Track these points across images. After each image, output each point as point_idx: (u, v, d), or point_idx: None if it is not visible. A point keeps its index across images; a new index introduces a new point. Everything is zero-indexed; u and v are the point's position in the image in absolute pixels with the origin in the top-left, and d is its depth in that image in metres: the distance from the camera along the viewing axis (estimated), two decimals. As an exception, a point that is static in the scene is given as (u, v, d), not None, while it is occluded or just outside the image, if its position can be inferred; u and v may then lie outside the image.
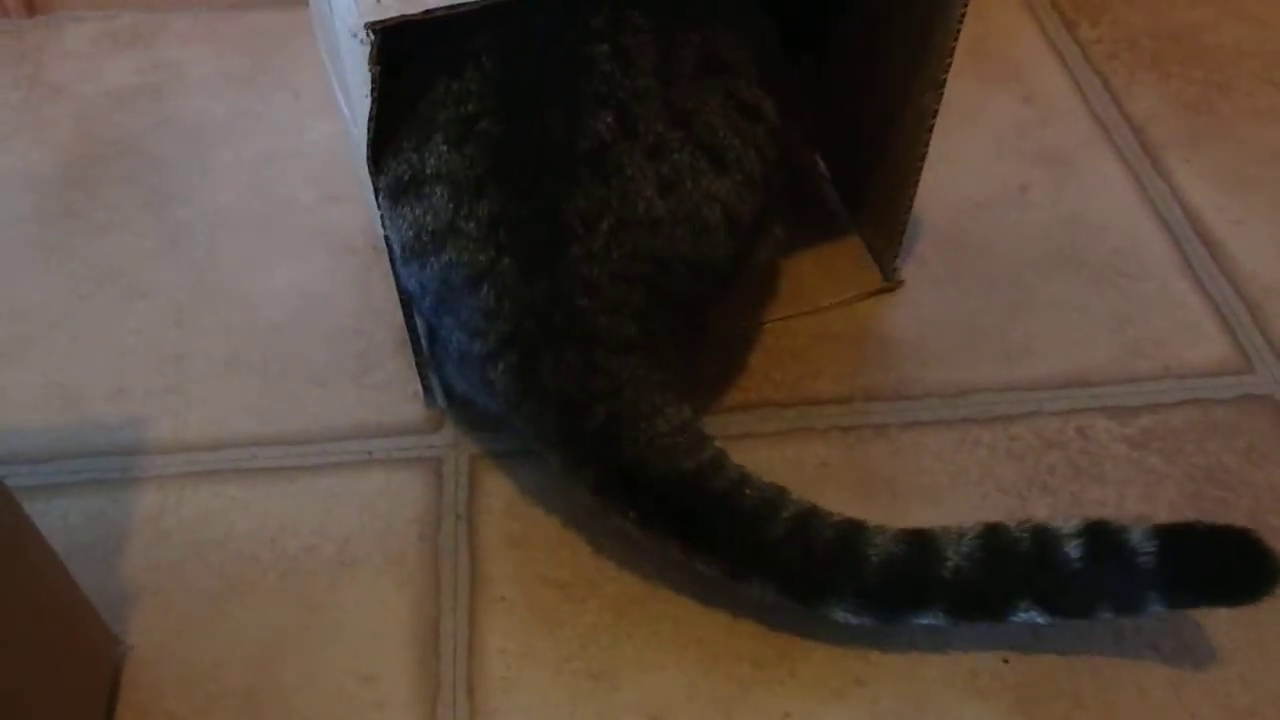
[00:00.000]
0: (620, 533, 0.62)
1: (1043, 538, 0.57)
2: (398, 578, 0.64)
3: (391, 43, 0.51)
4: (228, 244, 0.81)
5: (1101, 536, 0.57)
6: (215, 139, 0.88)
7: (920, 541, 0.57)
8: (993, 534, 0.57)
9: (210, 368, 0.74)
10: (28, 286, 0.78)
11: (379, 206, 0.60)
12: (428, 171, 0.57)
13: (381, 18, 0.50)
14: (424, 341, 0.69)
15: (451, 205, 0.57)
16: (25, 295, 0.77)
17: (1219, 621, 0.62)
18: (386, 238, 0.61)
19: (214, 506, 0.66)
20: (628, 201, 0.58)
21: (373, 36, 0.50)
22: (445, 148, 0.57)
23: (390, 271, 0.63)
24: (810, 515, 0.59)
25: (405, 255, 0.60)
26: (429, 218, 0.58)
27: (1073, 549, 0.56)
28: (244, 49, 0.96)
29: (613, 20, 0.58)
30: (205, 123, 0.90)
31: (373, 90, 0.52)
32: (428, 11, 0.51)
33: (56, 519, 0.65)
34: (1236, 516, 0.67)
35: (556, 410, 0.60)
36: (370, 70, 0.52)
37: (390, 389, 0.72)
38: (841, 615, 0.58)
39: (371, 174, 0.58)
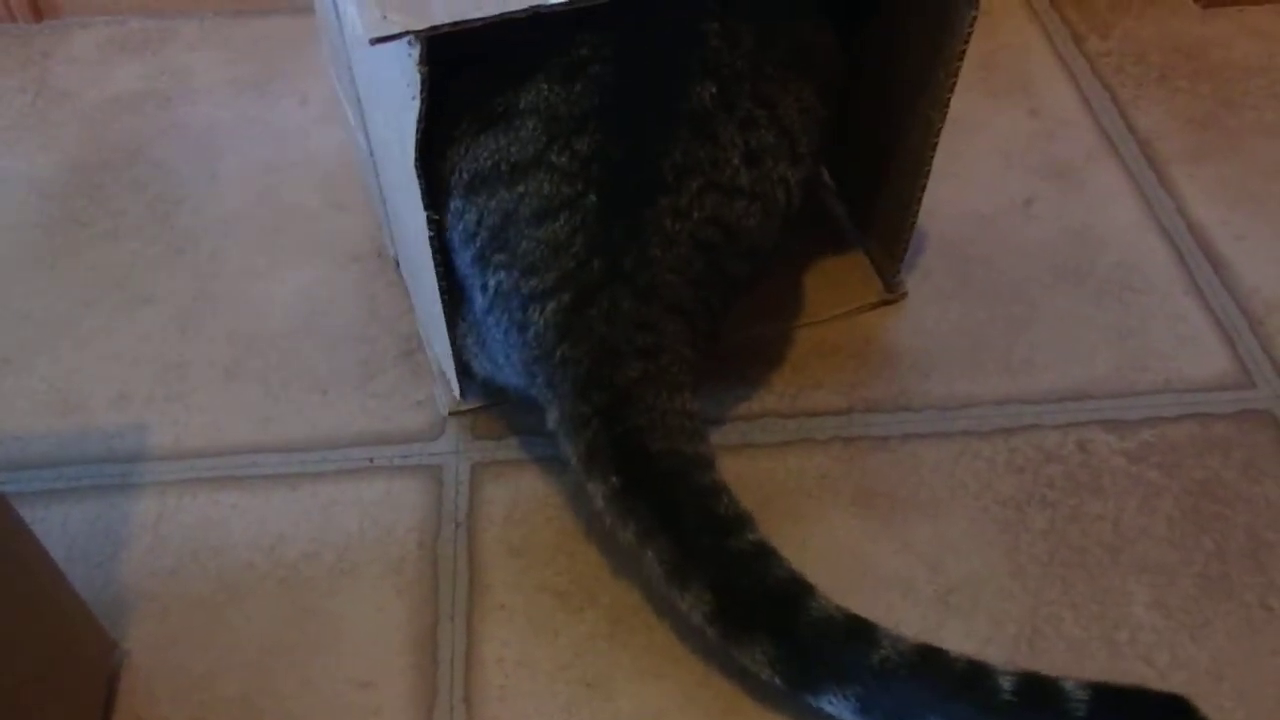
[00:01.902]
0: (580, 494, 0.62)
1: (978, 669, 0.55)
2: (396, 585, 0.64)
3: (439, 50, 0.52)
4: (233, 251, 0.81)
5: (1036, 681, 0.55)
6: (222, 146, 0.89)
7: (860, 623, 0.57)
8: (930, 650, 0.56)
9: (213, 375, 0.74)
10: (32, 292, 0.79)
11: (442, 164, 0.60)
12: (521, 106, 0.59)
13: (386, 33, 0.50)
14: (435, 349, 0.68)
15: (545, 137, 0.59)
16: (30, 301, 0.78)
17: (1213, 634, 0.62)
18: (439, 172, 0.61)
19: (213, 513, 0.67)
20: (718, 166, 0.60)
21: (416, 41, 0.51)
22: (546, 86, 0.59)
23: (398, 278, 0.63)
24: (771, 551, 0.59)
25: (474, 185, 0.60)
26: (514, 148, 0.59)
27: (1005, 683, 0.54)
28: (251, 55, 0.96)
29: (724, 4, 0.61)
30: (212, 129, 0.90)
31: (421, 91, 0.52)
32: (433, 26, 0.51)
33: (56, 524, 0.66)
34: (1234, 531, 0.67)
35: (591, 358, 0.60)
36: (419, 72, 0.52)
37: (392, 397, 0.73)
38: (756, 659, 0.57)
39: (418, 175, 0.57)
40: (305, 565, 0.65)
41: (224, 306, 0.78)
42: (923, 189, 0.71)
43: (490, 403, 0.71)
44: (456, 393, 0.70)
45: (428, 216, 0.59)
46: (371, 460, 0.69)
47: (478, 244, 0.61)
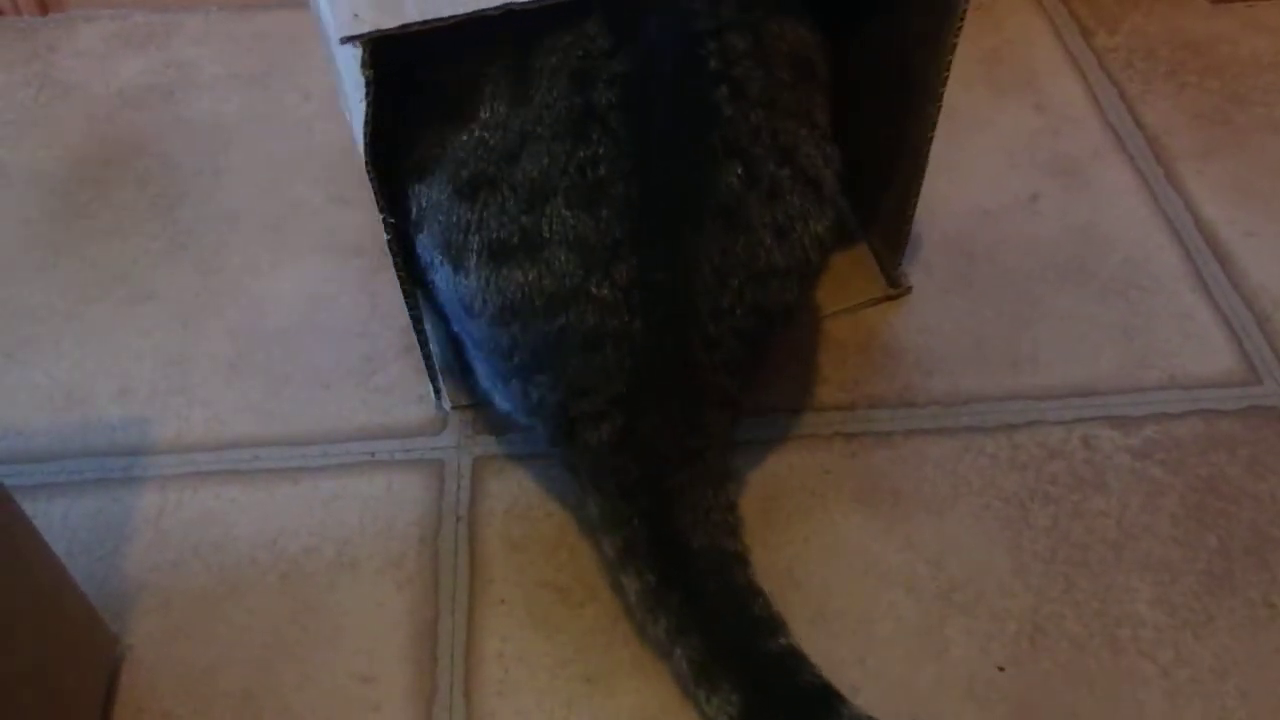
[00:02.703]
0: (614, 587, 0.62)
1: None
2: (397, 580, 0.64)
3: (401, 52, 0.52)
4: (236, 245, 0.81)
5: None
6: (225, 140, 0.89)
7: None
8: None
9: (215, 369, 0.74)
10: (36, 286, 0.79)
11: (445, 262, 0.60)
12: (545, 235, 0.56)
13: (357, 32, 0.51)
14: (434, 346, 0.69)
15: (581, 270, 0.56)
16: (33, 295, 0.78)
17: (1216, 632, 0.62)
18: (451, 291, 0.60)
19: (215, 507, 0.67)
20: (754, 254, 0.58)
21: (358, 45, 0.51)
22: (569, 212, 0.56)
23: (401, 288, 0.63)
24: (803, 656, 0.57)
25: (503, 315, 0.58)
26: (546, 281, 0.57)
27: None
28: (255, 49, 0.96)
29: (722, 55, 0.58)
30: (216, 123, 0.90)
31: (367, 94, 0.53)
32: (404, 26, 0.51)
33: (58, 518, 0.66)
34: (1238, 528, 0.66)
35: (641, 467, 0.60)
36: (364, 75, 0.52)
37: (394, 391, 0.73)
38: None
39: (371, 177, 0.57)
40: (306, 560, 0.65)
41: (227, 301, 0.78)
42: (920, 184, 0.70)
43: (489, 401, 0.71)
44: (435, 398, 0.71)
45: (384, 220, 0.59)
46: (373, 455, 0.69)
47: (515, 361, 0.60)
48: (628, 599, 0.60)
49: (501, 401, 0.65)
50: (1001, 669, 0.61)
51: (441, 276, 0.61)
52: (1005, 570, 0.64)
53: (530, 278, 0.57)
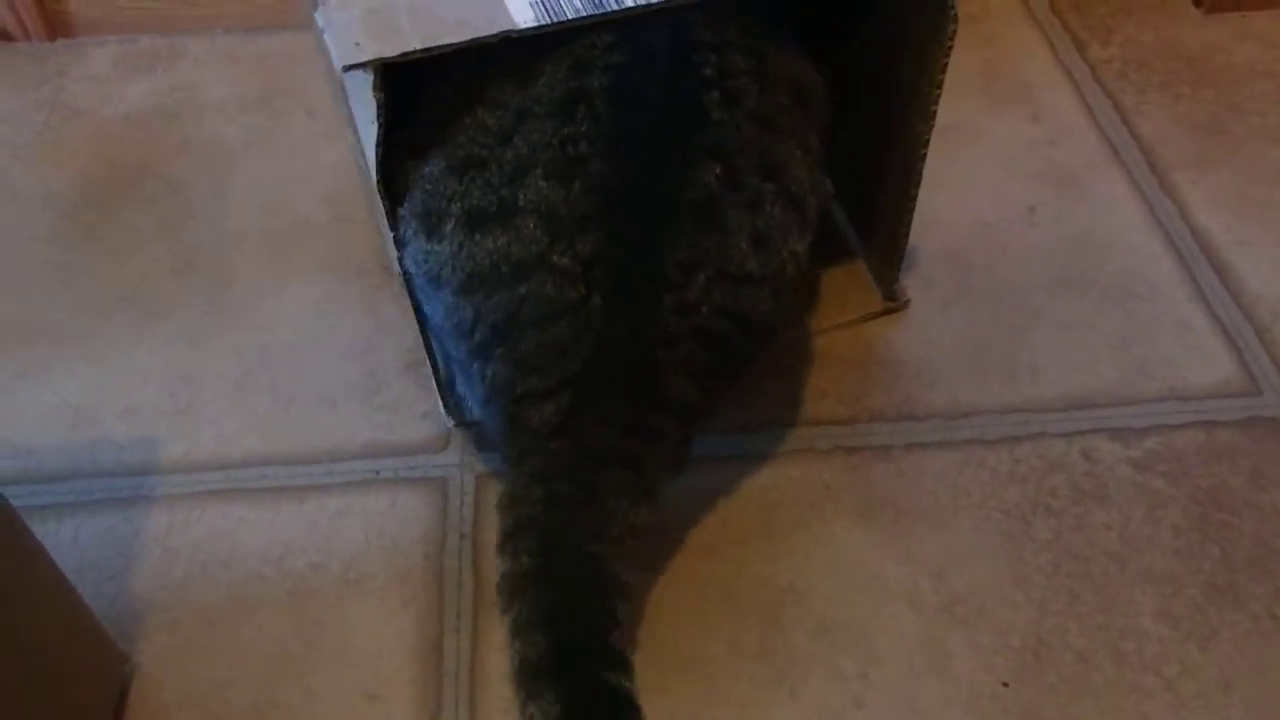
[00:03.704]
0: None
1: None
2: (403, 597, 0.64)
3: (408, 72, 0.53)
4: (242, 265, 0.82)
5: None
6: (231, 161, 0.90)
7: None
8: None
9: (222, 388, 0.75)
10: (45, 307, 0.80)
11: (422, 234, 0.60)
12: (520, 204, 0.57)
13: (358, 60, 0.52)
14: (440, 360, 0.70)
15: (546, 238, 0.57)
16: (43, 315, 0.79)
17: (1221, 644, 0.62)
18: (421, 262, 0.60)
19: (222, 526, 0.67)
20: (726, 255, 0.58)
21: (369, 70, 0.52)
22: (545, 183, 0.57)
23: (406, 292, 0.64)
24: (637, 705, 0.55)
25: (470, 284, 0.58)
26: (514, 248, 0.57)
27: None
28: (260, 71, 0.97)
29: (719, 66, 0.59)
30: (222, 145, 0.91)
31: (379, 115, 0.54)
32: (404, 54, 0.52)
33: (67, 538, 0.67)
34: (1241, 539, 0.66)
35: (574, 455, 0.58)
36: (375, 97, 0.53)
37: (399, 409, 0.73)
38: None
39: (382, 195, 0.58)
40: (313, 577, 0.65)
41: (233, 319, 0.79)
42: (914, 200, 0.71)
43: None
44: (443, 411, 0.71)
45: (395, 237, 0.60)
46: (378, 472, 0.70)
47: (476, 338, 0.59)
48: (497, 578, 0.58)
49: (471, 402, 0.65)
50: (1005, 684, 0.61)
51: (412, 250, 0.61)
52: (1007, 583, 0.65)
53: (500, 244, 0.57)
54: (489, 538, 0.67)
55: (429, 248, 0.60)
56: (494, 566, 0.65)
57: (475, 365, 0.60)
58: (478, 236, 0.58)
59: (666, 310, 0.58)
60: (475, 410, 0.66)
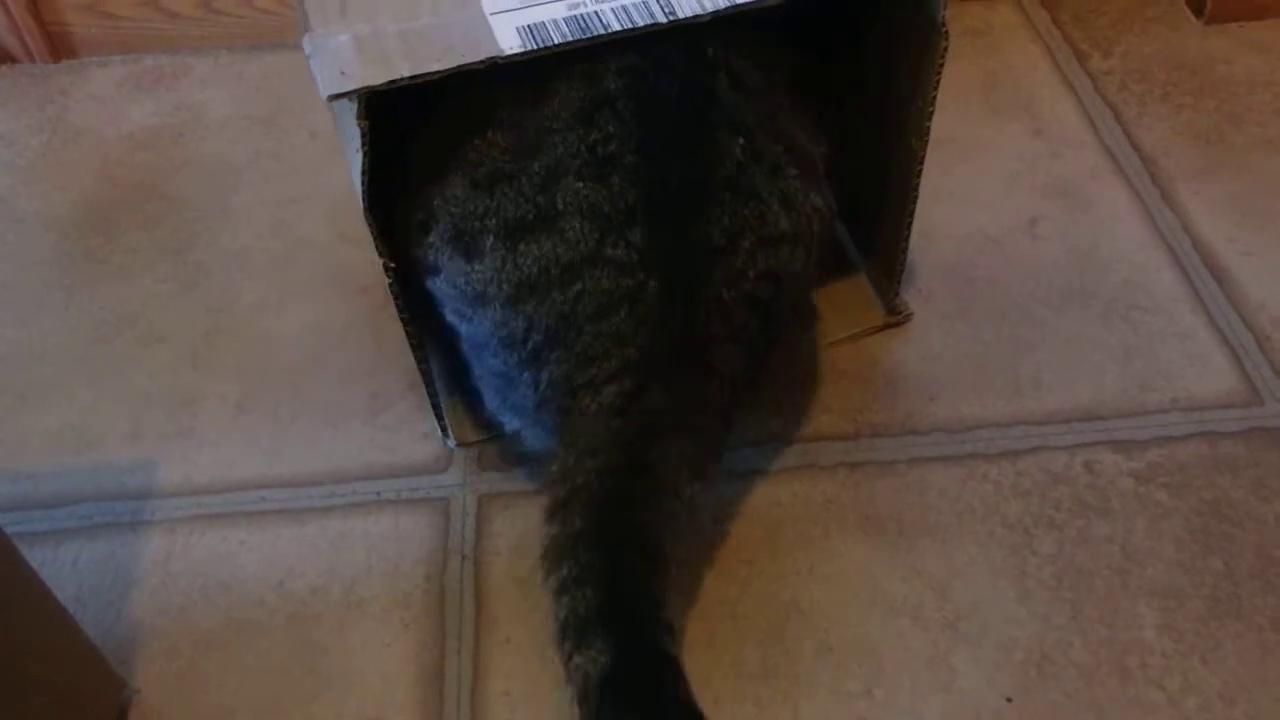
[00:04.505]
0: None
1: None
2: (404, 619, 0.64)
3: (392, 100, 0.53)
4: (244, 285, 0.83)
5: None
6: (234, 181, 0.90)
7: None
8: None
9: (223, 410, 0.75)
10: (47, 329, 0.80)
11: (437, 253, 0.61)
12: (560, 208, 0.58)
13: (343, 89, 0.52)
14: (438, 383, 0.70)
15: (596, 234, 0.58)
16: (44, 338, 0.79)
17: (1224, 658, 0.62)
18: (461, 284, 0.61)
19: (223, 550, 0.67)
20: (764, 220, 0.60)
21: (353, 99, 0.52)
22: (581, 184, 0.58)
23: (404, 329, 0.64)
24: (682, 672, 0.55)
25: (519, 294, 0.59)
26: (561, 250, 0.58)
27: None
28: (263, 90, 0.98)
29: (722, 48, 0.61)
30: (224, 164, 0.91)
31: (363, 144, 0.54)
32: (392, 82, 0.52)
33: (67, 564, 0.67)
34: (1244, 551, 0.66)
35: (635, 430, 0.59)
36: (359, 126, 0.53)
37: (400, 430, 0.73)
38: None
39: (370, 223, 0.58)
40: (314, 600, 0.65)
41: (235, 341, 0.79)
42: (912, 215, 0.71)
43: (496, 435, 0.72)
44: (442, 435, 0.72)
45: (384, 264, 0.60)
46: (379, 494, 0.70)
47: (529, 347, 0.60)
48: (542, 541, 0.58)
49: (510, 416, 0.66)
50: (1009, 699, 0.61)
51: (449, 274, 0.61)
52: (1011, 598, 0.64)
53: (546, 249, 0.58)
54: (490, 559, 0.67)
55: (469, 268, 0.60)
56: (495, 587, 0.65)
57: (527, 374, 0.61)
58: (521, 247, 0.59)
59: (718, 283, 0.60)
60: (514, 422, 0.66)
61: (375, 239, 0.58)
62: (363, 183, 0.54)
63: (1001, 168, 0.89)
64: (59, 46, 1.00)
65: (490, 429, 0.72)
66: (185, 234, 0.86)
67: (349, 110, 0.53)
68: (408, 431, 0.73)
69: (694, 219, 0.59)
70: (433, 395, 0.69)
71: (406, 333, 0.64)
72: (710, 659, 0.62)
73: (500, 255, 0.59)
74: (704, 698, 0.60)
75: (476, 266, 0.60)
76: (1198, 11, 1.01)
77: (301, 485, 0.70)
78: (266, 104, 0.96)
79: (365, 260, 0.83)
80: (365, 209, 0.56)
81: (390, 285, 0.61)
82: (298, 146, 0.93)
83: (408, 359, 0.76)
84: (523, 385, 0.62)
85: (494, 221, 0.59)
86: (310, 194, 0.89)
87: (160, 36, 1.01)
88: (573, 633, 0.55)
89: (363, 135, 0.53)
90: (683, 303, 0.59)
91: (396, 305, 0.62)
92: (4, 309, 0.81)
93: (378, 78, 0.52)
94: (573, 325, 0.59)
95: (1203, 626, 0.63)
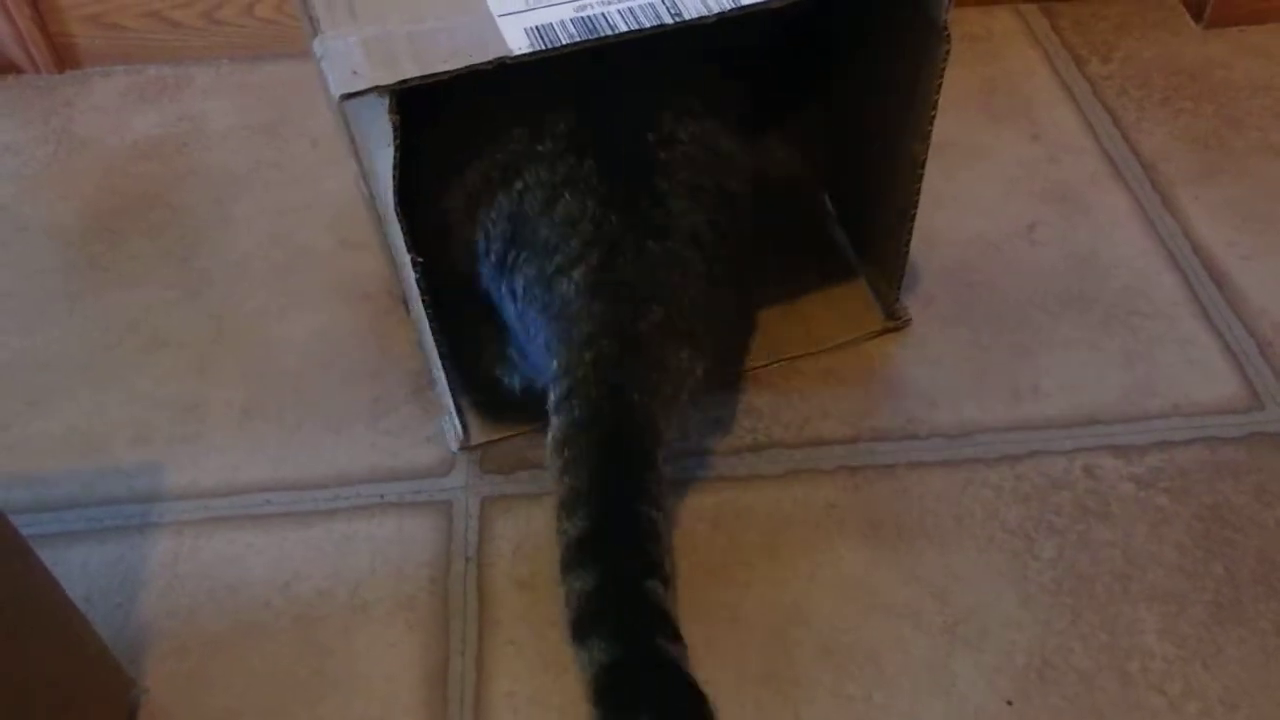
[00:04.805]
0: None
1: None
2: (408, 621, 0.65)
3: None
4: (248, 293, 0.83)
5: None
6: (237, 189, 0.91)
7: None
8: None
9: (229, 414, 0.75)
10: (53, 336, 0.80)
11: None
12: (498, 123, 0.63)
13: (356, 88, 0.52)
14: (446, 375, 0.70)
15: (527, 134, 0.62)
16: (50, 345, 0.80)
17: (1226, 663, 0.62)
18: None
19: (229, 552, 0.68)
20: (701, 118, 0.64)
21: (385, 93, 0.52)
22: (522, 99, 0.63)
23: (429, 324, 0.65)
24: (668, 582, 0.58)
25: (470, 206, 0.64)
26: (499, 155, 0.63)
27: None
28: (265, 99, 0.98)
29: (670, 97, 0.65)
30: (227, 173, 0.92)
31: (395, 139, 0.54)
32: (402, 81, 0.53)
33: (77, 566, 0.67)
34: (1245, 556, 0.66)
35: (614, 307, 0.61)
36: (390, 120, 0.53)
37: (403, 433, 0.74)
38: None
39: (399, 219, 0.59)
40: (319, 603, 0.66)
41: (239, 346, 0.79)
42: (912, 220, 0.71)
43: (498, 437, 0.73)
44: (458, 429, 0.72)
45: (412, 259, 0.60)
46: (383, 497, 0.71)
47: (493, 257, 0.64)
48: (550, 434, 0.61)
49: (522, 363, 0.68)
50: (1010, 703, 0.61)
51: (488, 265, 0.65)
52: (1011, 603, 0.65)
53: (485, 161, 0.63)
54: (494, 561, 0.67)
55: (488, 256, 0.65)
56: (498, 589, 0.66)
57: (505, 284, 0.64)
58: (467, 171, 0.64)
59: (653, 146, 0.63)
60: (524, 365, 0.67)
61: (404, 234, 0.59)
62: (395, 177, 0.55)
63: (1000, 173, 0.90)
64: (64, 57, 1.01)
65: (497, 428, 0.72)
66: (188, 242, 0.87)
67: (374, 108, 0.53)
68: (411, 435, 0.74)
69: (625, 97, 0.63)
70: (451, 388, 0.69)
71: (430, 329, 0.64)
72: (711, 662, 0.62)
73: (458, 180, 0.64)
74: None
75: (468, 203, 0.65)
76: (1197, 16, 1.01)
77: (306, 489, 0.71)
78: (268, 113, 0.97)
79: (367, 267, 0.84)
80: (395, 206, 0.56)
81: (417, 280, 0.61)
82: (299, 155, 0.93)
83: (410, 363, 0.77)
84: (506, 298, 0.65)
85: (480, 165, 0.64)
86: (312, 202, 0.89)
87: (164, 47, 1.01)
88: (565, 509, 0.58)
89: (394, 130, 0.53)
90: (624, 172, 0.62)
91: (424, 301, 0.62)
92: (9, 317, 0.82)
93: (388, 78, 0.52)
94: (525, 222, 0.62)
95: (1204, 631, 0.63)
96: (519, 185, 0.62)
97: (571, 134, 0.62)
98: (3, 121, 0.96)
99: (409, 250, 0.60)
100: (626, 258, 0.62)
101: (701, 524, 0.69)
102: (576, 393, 0.60)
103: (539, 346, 0.64)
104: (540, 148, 0.62)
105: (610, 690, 0.54)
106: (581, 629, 0.56)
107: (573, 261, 0.62)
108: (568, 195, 0.62)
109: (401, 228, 0.59)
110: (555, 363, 0.62)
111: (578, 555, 0.57)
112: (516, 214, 0.62)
